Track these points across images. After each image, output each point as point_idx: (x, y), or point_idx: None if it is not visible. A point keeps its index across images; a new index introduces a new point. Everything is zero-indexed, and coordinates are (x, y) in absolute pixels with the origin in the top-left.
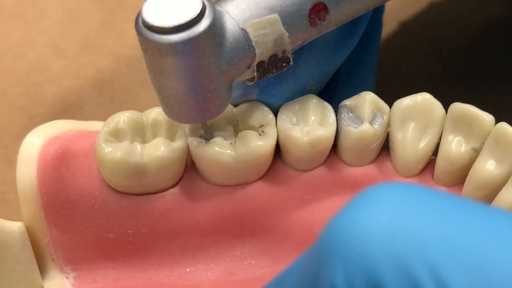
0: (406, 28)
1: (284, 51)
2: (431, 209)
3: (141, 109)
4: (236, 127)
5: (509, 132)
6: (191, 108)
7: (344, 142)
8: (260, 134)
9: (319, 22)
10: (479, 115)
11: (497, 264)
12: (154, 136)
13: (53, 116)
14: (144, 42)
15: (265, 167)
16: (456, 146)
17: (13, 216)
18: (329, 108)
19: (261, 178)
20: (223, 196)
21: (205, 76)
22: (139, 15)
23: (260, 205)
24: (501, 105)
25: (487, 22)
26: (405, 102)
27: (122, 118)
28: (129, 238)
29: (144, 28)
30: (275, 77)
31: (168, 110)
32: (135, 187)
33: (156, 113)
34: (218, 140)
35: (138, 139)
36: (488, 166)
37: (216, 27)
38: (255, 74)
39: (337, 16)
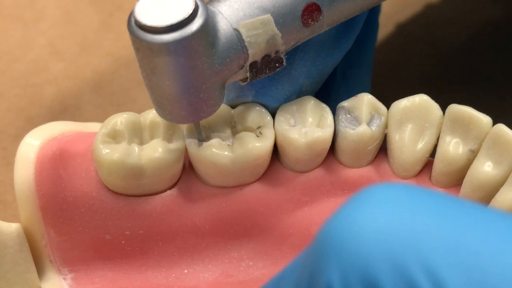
0: (404, 29)
1: (277, 52)
2: (428, 209)
3: (139, 110)
4: (234, 129)
5: (507, 134)
6: (184, 108)
7: (341, 143)
8: (257, 136)
9: (312, 22)
10: (476, 116)
11: (493, 264)
12: (152, 137)
13: (51, 118)
14: (137, 41)
15: (263, 169)
16: (453, 147)
17: (11, 217)
18: (326, 110)
19: (259, 179)
20: (221, 198)
21: (198, 76)
22: (131, 14)
23: (257, 206)
24: (499, 107)
25: (485, 24)
26: (403, 104)
27: (120, 119)
28: (127, 239)
29: (136, 27)
30: (270, 78)
31: (160, 110)
32: (133, 189)
33: (153, 114)
34: (215, 142)
35: (135, 140)
36: (485, 168)
37: (208, 27)
38: (248, 74)
39: (330, 17)
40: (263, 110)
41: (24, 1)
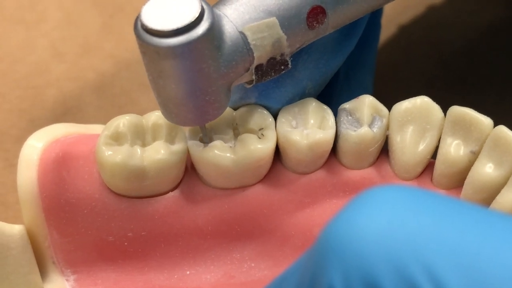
0: (406, 31)
1: (282, 54)
2: (429, 211)
3: (141, 112)
4: (236, 131)
5: (508, 135)
6: (190, 111)
7: (343, 145)
8: (259, 138)
9: (317, 25)
10: (477, 118)
11: (494, 265)
12: (154, 139)
13: (54, 120)
14: (143, 45)
15: (265, 170)
16: (454, 149)
17: (14, 219)
18: (328, 111)
19: (261, 181)
20: (223, 199)
21: (204, 79)
22: (138, 18)
23: (259, 208)
24: (500, 108)
25: (487, 26)
26: (404, 105)
27: (122, 121)
28: (129, 241)
29: (143, 31)
30: (273, 80)
31: (166, 113)
32: (135, 190)
33: (156, 116)
34: (217, 143)
35: (138, 142)
36: (486, 169)
37: (214, 31)
38: (254, 77)
39: (335, 19)
40: (265, 112)
41: (25, 3)
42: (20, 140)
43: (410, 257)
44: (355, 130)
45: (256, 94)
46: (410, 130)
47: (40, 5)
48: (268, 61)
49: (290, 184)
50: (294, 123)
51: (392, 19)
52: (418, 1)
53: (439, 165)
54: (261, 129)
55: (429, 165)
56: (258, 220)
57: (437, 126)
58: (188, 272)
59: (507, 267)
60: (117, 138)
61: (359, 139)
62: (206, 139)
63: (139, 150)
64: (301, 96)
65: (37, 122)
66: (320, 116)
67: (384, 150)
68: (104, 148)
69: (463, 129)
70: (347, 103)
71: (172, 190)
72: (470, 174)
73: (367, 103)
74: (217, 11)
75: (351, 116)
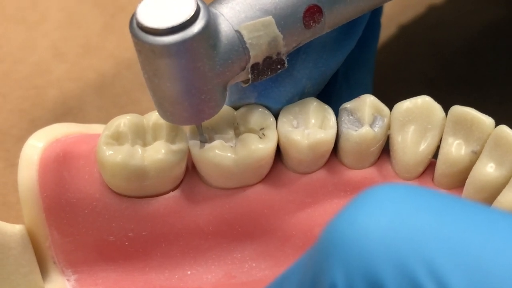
0: (407, 31)
1: (278, 53)
2: (431, 209)
3: (142, 112)
4: (237, 130)
5: (509, 135)
6: (185, 109)
7: (344, 145)
8: (260, 137)
9: (314, 24)
10: (479, 118)
11: (497, 264)
12: (155, 139)
13: (54, 119)
14: (138, 43)
15: (266, 170)
16: (456, 149)
17: (15, 219)
18: (329, 111)
19: (262, 181)
20: (224, 199)
21: (199, 78)
22: (133, 16)
23: (260, 207)
24: (501, 108)
25: (488, 25)
26: (405, 105)
27: (123, 121)
28: (130, 240)
29: (138, 29)
30: (272, 80)
31: (162, 112)
32: (136, 190)
33: (156, 116)
34: (218, 143)
35: (139, 142)
36: (488, 169)
37: (210, 29)
38: (250, 76)
39: (331, 19)
40: (266, 111)
41: (26, 3)
42: (21, 140)
43: (412, 255)
44: (356, 130)
45: (256, 94)
46: (411, 129)
47: (41, 5)
48: (264, 60)
49: (291, 184)
50: (295, 122)
51: (393, 19)
52: (419, 1)
53: (440, 165)
54: (262, 128)
55: (430, 165)
56: (259, 220)
57: (438, 126)
58: (189, 272)
59: (510, 265)
60: (117, 138)
61: (360, 139)
62: (202, 138)
63: (139, 150)
64: (300, 95)
65: (38, 122)
66: (321, 116)
67: (385, 150)
68: (104, 148)
69: (465, 129)
70: (348, 102)
71: (173, 190)
72: (471, 174)
73: (368, 102)
74: (213, 9)
75: (352, 115)
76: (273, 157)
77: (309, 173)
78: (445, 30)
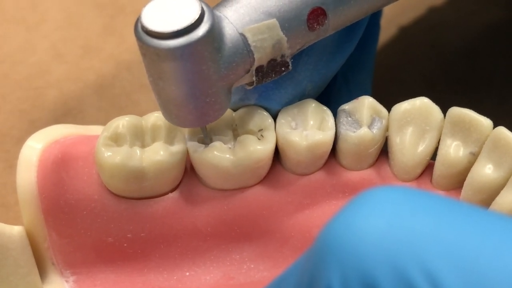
0: (406, 32)
1: (282, 56)
2: (427, 212)
3: (142, 113)
4: (235, 132)
5: (507, 137)
6: (190, 112)
7: (342, 146)
8: (259, 139)
9: (318, 27)
10: (477, 119)
11: (492, 267)
12: (154, 140)
13: (54, 121)
14: (143, 47)
15: (264, 171)
16: (454, 150)
17: (14, 220)
18: (328, 113)
19: (260, 182)
20: (222, 200)
21: (204, 80)
22: (138, 20)
23: (259, 209)
24: (500, 110)
25: (487, 27)
26: (404, 107)
27: (122, 122)
28: (129, 242)
29: (143, 33)
30: (273, 82)
31: (167, 114)
32: (135, 191)
33: (155, 117)
34: (217, 145)
35: (137, 143)
36: (486, 170)
37: (214, 32)
38: (254, 78)
39: (335, 21)
40: (265, 113)
41: (26, 4)
42: (21, 141)
43: (408, 258)
44: (354, 131)
45: (256, 95)
46: (409, 131)
47: (41, 6)
48: (269, 62)
49: (290, 185)
50: (293, 124)
51: (392, 20)
52: (418, 2)
53: (439, 166)
54: (260, 130)
55: (429, 166)
56: (257, 221)
57: (436, 127)
58: (187, 273)
59: (506, 268)
60: (116, 139)
61: (359, 140)
62: (207, 140)
63: (138, 151)
64: (301, 97)
65: (38, 123)
66: (319, 117)
67: (384, 151)
68: (103, 149)
69: (463, 130)
70: (346, 104)
71: (171, 191)
72: (469, 175)
73: (366, 104)
74: (217, 12)
75: (350, 117)
76: (272, 158)
77: (307, 174)
78: (444, 31)
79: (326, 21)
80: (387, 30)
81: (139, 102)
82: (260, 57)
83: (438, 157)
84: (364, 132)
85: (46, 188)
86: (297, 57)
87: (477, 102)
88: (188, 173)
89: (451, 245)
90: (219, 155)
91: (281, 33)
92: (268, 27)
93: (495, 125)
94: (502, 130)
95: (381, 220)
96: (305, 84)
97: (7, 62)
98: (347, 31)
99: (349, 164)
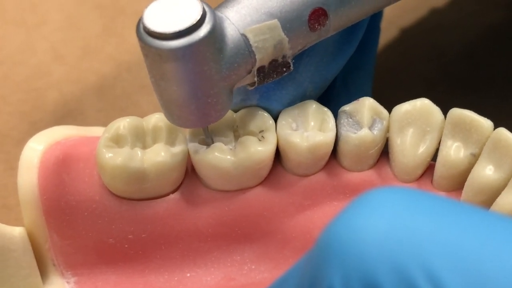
0: (407, 34)
1: (284, 56)
2: (428, 212)
3: (142, 114)
4: (236, 133)
5: (508, 138)
6: (192, 113)
7: (343, 147)
8: (260, 140)
9: (319, 27)
10: (477, 120)
11: (494, 268)
12: (155, 141)
13: (54, 122)
14: (145, 47)
15: (265, 173)
16: (455, 151)
17: (14, 221)
18: (328, 114)
19: (261, 183)
20: (223, 201)
21: (206, 81)
22: (140, 20)
23: (259, 210)
24: (500, 111)
25: (488, 28)
26: (404, 108)
27: (123, 124)
28: (130, 243)
29: (145, 33)
30: (275, 82)
31: (169, 115)
32: (136, 192)
33: (156, 118)
34: (218, 146)
35: (138, 144)
36: (486, 171)
37: (216, 33)
38: (256, 79)
39: (336, 21)
40: (265, 114)
41: (26, 5)
42: (21, 142)
43: (409, 259)
44: (355, 133)
45: (258, 96)
46: (410, 132)
47: (41, 8)
48: (270, 63)
49: (291, 187)
50: (294, 125)
51: (393, 22)
52: (419, 4)
53: (439, 167)
54: (261, 131)
55: (429, 167)
56: (258, 222)
57: (437, 129)
58: (188, 275)
59: (507, 269)
60: (117, 141)
61: (359, 141)
62: (208, 140)
63: (139, 153)
64: (302, 98)
65: (38, 125)
66: (320, 119)
67: (384, 153)
68: (104, 150)
69: (463, 132)
70: (347, 105)
71: (172, 192)
72: (470, 176)
73: (367, 105)
74: (219, 13)
75: (351, 118)
76: (273, 159)
77: (308, 175)
78: (445, 32)
79: (327, 22)
80: (387, 31)
81: (140, 103)
82: (262, 58)
83: (438, 158)
84: (364, 133)
85: (47, 189)
86: (298, 58)
87: (477, 103)
88: (189, 174)
89: (452, 246)
90: (220, 156)
91: (282, 34)
92: (270, 28)
93: (495, 126)
94: (502, 131)
95: (382, 221)
96: (306, 85)
97: (7, 63)
98: (348, 33)
99: (350, 165)
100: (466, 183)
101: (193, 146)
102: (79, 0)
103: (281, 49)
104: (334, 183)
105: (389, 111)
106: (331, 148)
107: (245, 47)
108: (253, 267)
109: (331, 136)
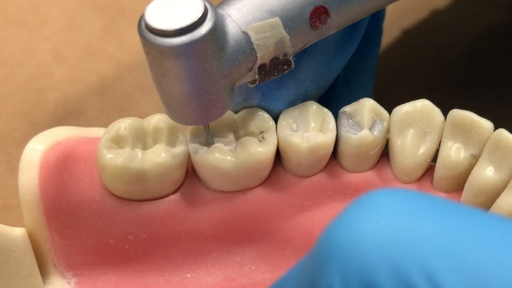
0: (408, 34)
1: (285, 54)
2: (428, 214)
3: (143, 115)
4: (237, 134)
5: (508, 139)
6: (193, 110)
7: (343, 148)
8: (260, 141)
9: (320, 25)
10: (478, 121)
11: (493, 269)
12: (155, 142)
13: (55, 122)
14: (147, 45)
15: (265, 173)
16: (455, 152)
17: (16, 222)
18: (329, 115)
19: (261, 184)
20: (224, 202)
21: (207, 78)
22: (142, 18)
23: (260, 211)
24: (502, 112)
25: (489, 29)
26: (405, 109)
27: (123, 124)
28: (130, 243)
29: (146, 31)
30: (276, 82)
31: (170, 112)
32: (136, 193)
33: (157, 119)
34: (218, 146)
35: (139, 145)
36: (487, 173)
37: (218, 30)
38: (257, 76)
39: (338, 20)
40: (266, 115)
41: (28, 6)
42: (22, 143)
43: (408, 260)
44: (355, 133)
45: (259, 95)
46: (410, 133)
47: (42, 9)
48: (271, 61)
49: (291, 187)
50: (294, 126)
51: (394, 23)
52: (421, 5)
53: (440, 168)
54: (261, 132)
55: (430, 169)
56: (258, 223)
57: (437, 130)
58: (188, 275)
59: (505, 270)
60: (118, 141)
61: (360, 142)
62: (209, 138)
63: (140, 153)
64: (303, 97)
65: (39, 125)
66: (320, 119)
67: (385, 154)
68: (105, 151)
69: (464, 133)
70: (347, 106)
71: (173, 193)
72: (470, 177)
73: (367, 106)
74: (220, 11)
75: (351, 119)
76: (273, 160)
77: (308, 176)
78: (446, 33)
79: (328, 20)
80: (389, 33)
81: (141, 104)
82: (263, 56)
83: (439, 159)
84: (365, 134)
85: (48, 190)
86: (300, 57)
87: (478, 104)
88: (189, 175)
89: (451, 247)
90: (220, 157)
91: (283, 32)
92: (271, 26)
93: (496, 128)
94: (502, 132)
95: (382, 222)
96: (307, 84)
97: (8, 64)
98: (349, 32)
99: (350, 166)
100: (466, 184)
101: (193, 147)
102: (80, 1)
103: (282, 47)
104: (334, 184)
105: (390, 112)
106: (332, 149)
107: (246, 44)
108: (254, 267)
109: (331, 137)
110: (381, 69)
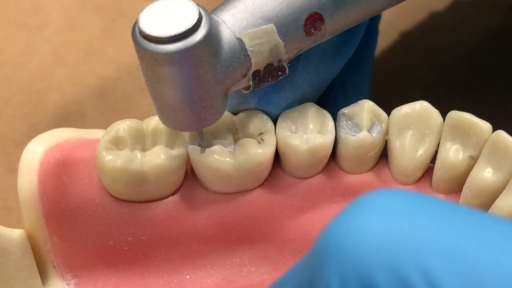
0: (406, 36)
1: (279, 60)
2: (426, 215)
3: (143, 117)
4: (236, 135)
5: (506, 140)
6: (187, 116)
7: (342, 150)
8: (259, 142)
9: (315, 32)
10: (476, 123)
11: (491, 270)
12: (154, 144)
13: (55, 124)
14: (141, 51)
15: (264, 175)
16: (453, 153)
17: (15, 223)
18: (328, 116)
19: (260, 185)
20: (223, 204)
21: (201, 85)
22: (136, 24)
23: (259, 212)
24: (500, 114)
25: (488, 31)
26: (403, 110)
27: (123, 126)
28: (129, 245)
29: (140, 37)
30: (273, 85)
31: (164, 118)
32: (135, 195)
33: (156, 121)
34: (217, 148)
35: (138, 147)
36: (485, 174)
37: (212, 37)
38: (251, 83)
39: (332, 26)
40: (265, 116)
41: (28, 8)
42: (22, 144)
43: (407, 260)
44: (354, 135)
45: (256, 99)
46: (409, 134)
47: (42, 10)
48: (266, 67)
49: (290, 189)
50: (293, 128)
51: (392, 24)
52: (418, 7)
53: (438, 170)
54: (260, 133)
55: (428, 170)
56: (258, 224)
57: (436, 131)
58: (188, 277)
59: (503, 271)
60: (117, 143)
61: (359, 144)
62: (203, 143)
63: (139, 155)
64: (300, 101)
65: (39, 127)
66: (319, 121)
67: (384, 155)
68: (104, 152)
69: (462, 134)
70: (346, 108)
71: (172, 194)
72: (469, 178)
73: (366, 108)
74: (214, 17)
75: (350, 121)
76: (272, 161)
77: (307, 177)
78: (444, 35)
79: (323, 26)
80: (387, 34)
81: (141, 106)
82: (257, 62)
83: (437, 161)
84: (364, 136)
85: (47, 191)
86: (296, 60)
87: (476, 106)
88: (188, 176)
89: (449, 248)
90: (219, 158)
91: (278, 38)
92: (265, 32)
93: (494, 129)
94: (501, 133)
95: (380, 222)
96: (304, 87)
97: (8, 65)
98: (346, 35)
99: (349, 167)
100: (465, 186)
101: (192, 148)
102: (80, 2)
103: (276, 53)
104: (333, 185)
105: (388, 113)
106: (330, 150)
107: (241, 51)
108: (253, 269)
109: (330, 139)
110: (380, 71)
